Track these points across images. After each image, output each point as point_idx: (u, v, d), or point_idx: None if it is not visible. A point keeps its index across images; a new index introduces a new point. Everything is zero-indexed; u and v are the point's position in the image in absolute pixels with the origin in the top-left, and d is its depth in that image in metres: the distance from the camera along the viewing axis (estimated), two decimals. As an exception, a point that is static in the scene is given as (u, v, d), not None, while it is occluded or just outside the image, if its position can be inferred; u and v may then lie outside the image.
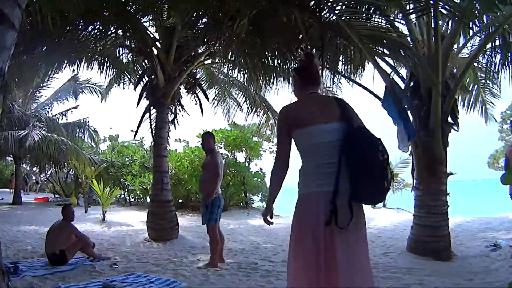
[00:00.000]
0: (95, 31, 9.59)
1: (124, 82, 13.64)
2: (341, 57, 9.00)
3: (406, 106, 7.16)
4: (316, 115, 2.88)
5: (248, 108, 15.01)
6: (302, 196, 2.88)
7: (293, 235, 2.87)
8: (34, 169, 30.98)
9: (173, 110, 11.35)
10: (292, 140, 2.97)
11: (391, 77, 8.14)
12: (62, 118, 23.36)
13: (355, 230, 2.69)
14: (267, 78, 11.39)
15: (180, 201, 19.27)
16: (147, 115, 11.31)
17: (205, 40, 9.40)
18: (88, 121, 23.22)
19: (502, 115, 33.04)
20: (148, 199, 18.26)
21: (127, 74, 13.17)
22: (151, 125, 11.15)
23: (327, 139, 2.81)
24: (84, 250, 7.50)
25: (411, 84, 8.02)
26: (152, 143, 11.09)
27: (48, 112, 23.28)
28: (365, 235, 2.84)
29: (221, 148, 19.62)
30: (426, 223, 7.76)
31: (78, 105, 23.30)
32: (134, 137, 19.17)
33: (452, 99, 7.84)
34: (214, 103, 15.39)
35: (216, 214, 6.87)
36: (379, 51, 7.48)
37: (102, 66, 11.72)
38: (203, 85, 13.73)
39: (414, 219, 8.08)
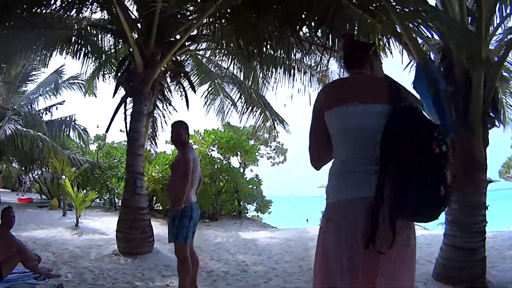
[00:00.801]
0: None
1: (109, 73, 12.36)
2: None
3: (441, 91, 5.41)
4: (355, 94, 2.25)
5: (242, 106, 13.42)
6: (329, 206, 2.19)
7: (317, 263, 2.22)
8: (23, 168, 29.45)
9: (153, 101, 9.74)
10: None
11: (425, 50, 6.52)
12: (46, 114, 21.93)
13: (400, 258, 2.01)
14: (265, 69, 10.65)
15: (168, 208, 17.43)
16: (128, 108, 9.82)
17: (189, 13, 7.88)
18: (75, 119, 21.59)
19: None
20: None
21: (112, 65, 11.96)
22: (125, 117, 9.54)
23: (365, 123, 2.15)
24: (25, 264, 6.18)
25: (442, 66, 6.32)
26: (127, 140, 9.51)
27: (31, 107, 21.80)
28: (413, 266, 2.13)
29: (213, 151, 18.15)
30: (460, 245, 6.09)
31: (64, 101, 21.75)
32: (106, 132, 17.51)
33: (493, 87, 6.21)
34: (206, 100, 13.89)
35: (187, 230, 5.16)
36: (412, 17, 5.72)
37: (79, 52, 10.82)
38: (193, 79, 12.62)
39: (444, 238, 6.39)
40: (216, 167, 17.58)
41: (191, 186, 5.21)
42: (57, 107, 22.10)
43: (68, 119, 21.95)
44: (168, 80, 10.53)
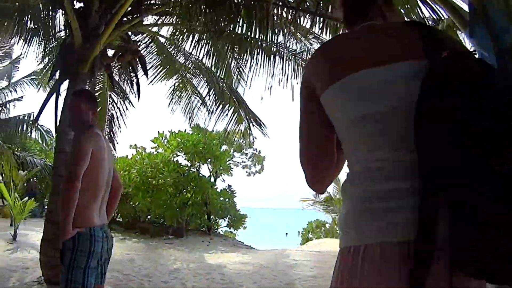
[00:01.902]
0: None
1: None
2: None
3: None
4: (366, 52, 1.42)
5: (211, 103, 11.52)
6: (345, 252, 1.35)
7: None
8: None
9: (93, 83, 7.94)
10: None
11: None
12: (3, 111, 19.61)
13: None
14: (237, 52, 9.47)
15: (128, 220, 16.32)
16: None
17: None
18: (34, 117, 19.41)
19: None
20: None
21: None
22: (56, 106, 7.58)
23: (395, 99, 1.32)
24: None
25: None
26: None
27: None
28: None
29: (179, 156, 16.11)
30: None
31: (22, 97, 19.57)
32: (34, 124, 15.58)
33: None
34: (171, 98, 11.99)
35: (84, 274, 3.06)
36: None
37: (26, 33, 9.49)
38: (155, 71, 11.11)
39: None
40: (183, 175, 15.56)
41: (94, 198, 3.19)
42: (14, 104, 19.83)
43: (27, 118, 19.77)
44: (115, 61, 8.56)
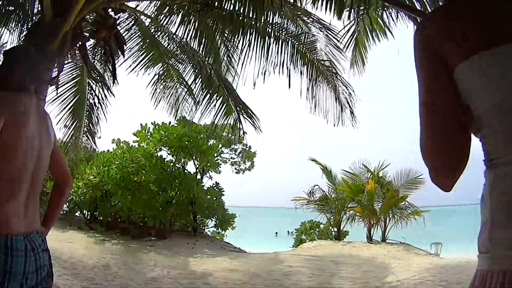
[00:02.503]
0: None
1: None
2: None
3: None
4: None
5: (197, 92, 10.50)
6: (486, 277, 1.05)
7: None
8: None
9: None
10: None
11: None
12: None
13: None
14: (231, 37, 8.51)
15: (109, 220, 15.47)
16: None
17: None
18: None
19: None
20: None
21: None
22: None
23: None
24: None
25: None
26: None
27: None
28: None
29: (163, 150, 15.06)
30: None
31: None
32: None
33: None
34: (156, 87, 10.93)
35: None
36: None
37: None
38: (139, 58, 9.76)
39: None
40: (166, 171, 14.50)
41: (10, 193, 2.16)
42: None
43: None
44: (89, 39, 7.54)
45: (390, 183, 15.31)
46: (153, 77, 10.89)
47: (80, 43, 7.28)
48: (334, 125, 10.06)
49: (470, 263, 10.39)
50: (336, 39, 9.01)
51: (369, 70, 10.29)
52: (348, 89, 10.05)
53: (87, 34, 7.54)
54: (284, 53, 9.12)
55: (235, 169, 19.03)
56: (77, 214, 16.36)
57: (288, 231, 43.60)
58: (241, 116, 10.48)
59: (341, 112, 10.24)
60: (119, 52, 8.95)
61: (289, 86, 8.72)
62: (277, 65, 9.08)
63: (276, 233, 48.28)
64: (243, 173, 19.12)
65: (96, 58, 9.51)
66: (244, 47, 8.60)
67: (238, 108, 10.33)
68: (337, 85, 10.13)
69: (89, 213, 16.41)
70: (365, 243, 13.80)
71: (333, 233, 16.11)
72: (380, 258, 11.19)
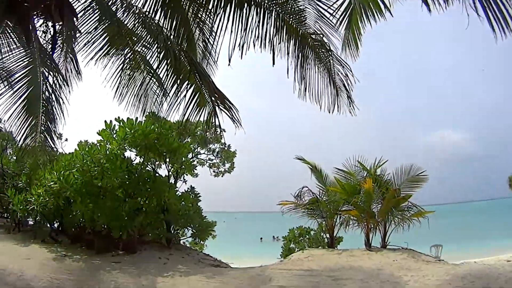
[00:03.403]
0: None
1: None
2: None
3: None
4: None
5: (165, 78, 8.86)
6: None
7: None
8: None
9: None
10: None
11: None
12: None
13: None
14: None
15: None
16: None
17: None
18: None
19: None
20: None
21: None
22: None
23: None
24: None
25: None
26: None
27: None
28: None
29: (130, 151, 13.57)
30: None
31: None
32: None
33: None
34: (121, 79, 9.34)
35: None
36: None
37: None
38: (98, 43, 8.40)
39: None
40: (135, 174, 12.80)
41: None
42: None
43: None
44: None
45: (389, 182, 13.81)
46: (118, 68, 9.41)
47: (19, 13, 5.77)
48: (329, 112, 8.57)
49: (493, 270, 8.97)
50: (328, 12, 7.84)
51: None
52: (344, 69, 8.53)
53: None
54: (267, 23, 7.66)
55: (214, 171, 17.38)
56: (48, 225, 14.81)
57: (273, 236, 42.50)
58: (217, 108, 8.81)
59: (336, 96, 8.72)
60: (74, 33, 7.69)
61: (273, 63, 7.38)
62: (258, 38, 7.66)
63: (261, 238, 47.19)
64: (222, 176, 17.47)
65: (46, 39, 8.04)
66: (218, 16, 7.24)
67: (213, 98, 8.65)
68: (331, 64, 8.59)
69: (55, 224, 14.89)
70: (364, 251, 12.32)
71: (326, 239, 14.48)
72: (387, 270, 9.75)
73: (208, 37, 8.69)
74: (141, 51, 9.29)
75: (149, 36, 8.79)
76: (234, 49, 7.29)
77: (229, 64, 7.87)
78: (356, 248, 12.96)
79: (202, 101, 8.65)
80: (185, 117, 8.89)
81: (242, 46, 7.32)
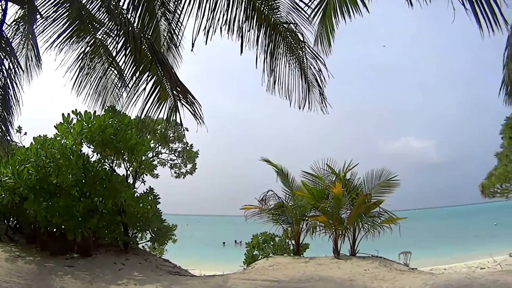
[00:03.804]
0: None
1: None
2: None
3: None
4: None
5: (125, 68, 8.09)
6: None
7: None
8: None
9: None
10: None
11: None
12: None
13: None
14: None
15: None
16: None
17: None
18: None
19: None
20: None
21: None
22: None
23: None
24: None
25: None
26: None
27: None
28: None
29: (86, 146, 12.64)
30: None
31: None
32: None
33: None
34: (82, 69, 8.74)
35: None
36: None
37: None
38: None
39: None
40: (91, 172, 11.95)
41: None
42: None
43: None
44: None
45: (359, 186, 13.23)
46: (79, 56, 8.72)
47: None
48: (300, 108, 7.94)
49: (474, 280, 8.54)
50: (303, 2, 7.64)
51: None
52: (317, 64, 7.92)
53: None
54: (237, 8, 7.02)
55: (175, 172, 16.53)
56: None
57: (235, 241, 42.01)
58: (178, 104, 8.08)
59: (308, 92, 8.11)
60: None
61: (241, 51, 7.04)
62: (226, 23, 7.03)
63: (224, 243, 46.66)
64: (184, 178, 16.64)
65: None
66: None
67: (175, 92, 7.92)
68: (304, 57, 7.98)
69: (13, 221, 14.05)
70: (332, 259, 11.68)
71: (291, 246, 13.73)
72: (359, 280, 9.16)
73: (174, 28, 8.08)
74: (103, 38, 8.60)
75: (112, 22, 8.10)
76: (198, 33, 6.68)
77: (192, 50, 7.18)
78: (324, 256, 12.30)
79: (163, 95, 7.92)
80: (145, 112, 8.12)
81: (208, 31, 6.70)
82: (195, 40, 6.75)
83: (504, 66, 6.72)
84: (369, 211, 12.57)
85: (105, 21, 8.21)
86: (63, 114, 12.43)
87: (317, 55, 7.91)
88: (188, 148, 16.06)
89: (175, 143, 15.92)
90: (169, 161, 16.11)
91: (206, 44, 7.17)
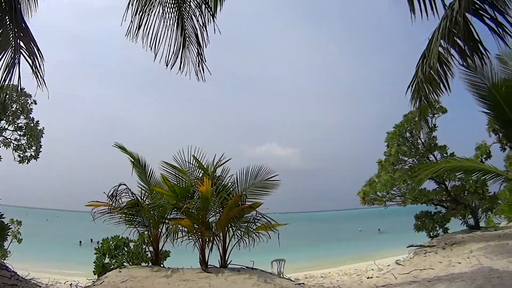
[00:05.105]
0: None
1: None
2: None
3: None
4: None
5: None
6: None
7: None
8: None
9: None
10: None
11: None
12: None
13: None
14: None
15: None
16: None
17: None
18: None
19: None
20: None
21: None
22: None
23: None
24: None
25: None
26: None
27: None
28: None
29: None
30: None
31: None
32: None
33: None
34: None
35: None
36: None
37: None
38: None
39: None
40: None
41: None
42: None
43: None
44: None
45: (231, 186, 11.44)
46: None
47: None
48: (168, 66, 5.82)
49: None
50: None
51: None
52: (203, 13, 5.99)
53: None
54: None
55: (19, 156, 13.49)
56: None
57: (91, 240, 38.87)
58: (21, 55, 5.92)
59: (183, 48, 6.06)
60: None
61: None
62: None
63: (80, 242, 43.44)
64: (28, 162, 13.66)
65: None
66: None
67: (18, 40, 5.73)
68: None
69: None
70: (199, 272, 9.83)
71: (149, 254, 11.29)
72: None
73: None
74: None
75: None
76: None
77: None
78: (189, 267, 10.40)
79: (4, 40, 5.71)
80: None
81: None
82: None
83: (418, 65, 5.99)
84: (243, 215, 10.87)
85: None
86: None
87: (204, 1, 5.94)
88: (32, 124, 13.11)
89: (19, 118, 13.01)
90: (13, 142, 13.15)
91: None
